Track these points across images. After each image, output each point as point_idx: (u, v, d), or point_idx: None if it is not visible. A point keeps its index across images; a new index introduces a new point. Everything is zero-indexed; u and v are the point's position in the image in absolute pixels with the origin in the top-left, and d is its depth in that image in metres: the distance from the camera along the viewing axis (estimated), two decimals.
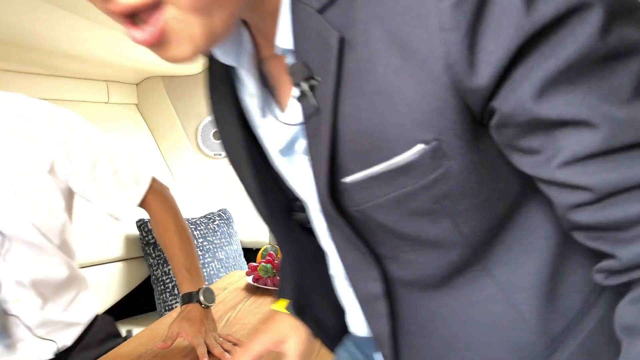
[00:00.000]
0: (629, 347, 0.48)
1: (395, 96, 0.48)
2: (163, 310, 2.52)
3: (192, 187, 3.08)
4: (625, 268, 0.48)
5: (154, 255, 2.55)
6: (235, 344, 1.41)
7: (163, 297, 2.52)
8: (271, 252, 2.09)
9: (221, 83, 0.72)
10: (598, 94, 0.43)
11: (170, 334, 1.38)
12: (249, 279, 2.03)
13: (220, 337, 1.43)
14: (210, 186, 3.13)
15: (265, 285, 1.98)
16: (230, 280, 2.13)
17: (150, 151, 3.24)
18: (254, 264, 2.06)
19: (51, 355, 1.35)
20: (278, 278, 1.95)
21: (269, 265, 1.99)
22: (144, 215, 2.69)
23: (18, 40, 2.05)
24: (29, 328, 1.31)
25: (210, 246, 2.65)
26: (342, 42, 0.49)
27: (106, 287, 2.53)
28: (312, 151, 0.56)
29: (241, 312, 1.74)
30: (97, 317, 1.59)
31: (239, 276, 2.20)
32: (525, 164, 0.50)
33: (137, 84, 3.26)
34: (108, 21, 2.04)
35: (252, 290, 1.99)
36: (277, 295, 1.06)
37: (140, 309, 2.74)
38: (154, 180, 1.62)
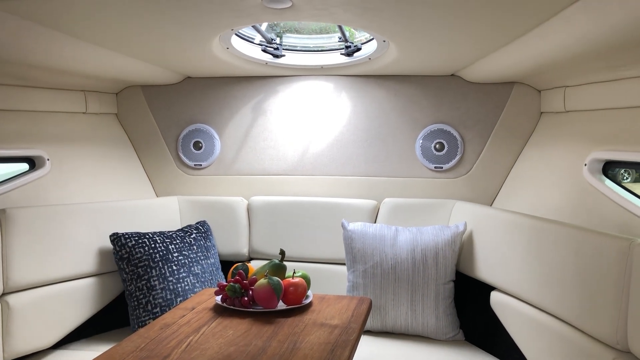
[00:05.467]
0: None
1: None
2: (136, 327, 2.47)
3: (171, 199, 3.03)
4: None
5: (127, 270, 2.50)
6: None
7: (136, 313, 2.47)
8: (241, 270, 2.04)
9: None
10: None
11: None
12: (218, 299, 1.98)
13: None
14: (190, 197, 3.08)
15: (233, 306, 1.93)
16: (200, 300, 2.08)
17: (130, 161, 3.19)
18: (224, 283, 2.01)
19: None
20: (246, 298, 1.91)
21: (237, 285, 1.94)
22: (119, 228, 2.64)
23: None
24: None
25: (186, 260, 2.60)
26: None
27: (80, 302, 2.48)
28: None
29: (204, 336, 1.69)
30: None
31: (210, 294, 2.15)
32: None
33: (116, 94, 3.21)
34: (81, 33, 2.00)
35: (221, 311, 1.94)
36: None
37: (115, 324, 2.68)
38: None
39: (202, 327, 1.77)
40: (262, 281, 1.91)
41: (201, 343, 1.63)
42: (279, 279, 1.94)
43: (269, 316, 1.88)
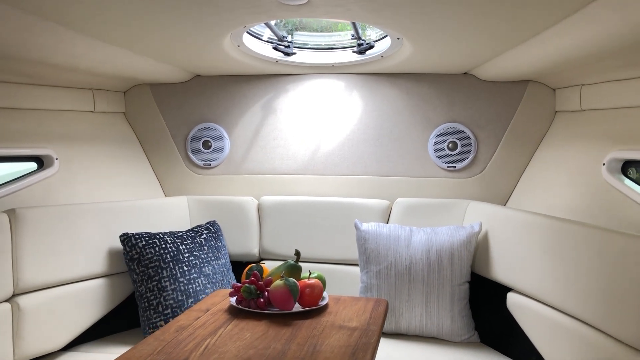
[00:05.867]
0: None
1: None
2: (147, 328, 2.43)
3: (180, 198, 3.00)
4: None
5: (138, 270, 2.46)
6: None
7: (147, 314, 2.44)
8: (256, 271, 2.01)
9: None
10: None
11: None
12: (233, 301, 1.95)
13: None
14: (200, 197, 3.05)
15: (249, 307, 1.89)
16: (213, 301, 2.05)
17: (139, 161, 3.16)
18: (238, 284, 1.97)
19: None
20: (262, 300, 1.87)
21: (252, 287, 1.90)
22: (128, 228, 2.60)
23: None
24: None
25: (197, 261, 2.56)
26: None
27: (90, 304, 2.45)
28: None
29: (221, 339, 1.65)
30: None
31: (223, 296, 2.11)
32: None
33: (124, 92, 3.18)
34: (90, 29, 1.96)
35: (236, 312, 1.90)
36: None
37: (125, 326, 2.65)
38: None
39: (219, 329, 1.74)
40: (278, 282, 1.88)
41: (219, 346, 1.60)
42: (295, 280, 1.90)
43: (286, 318, 1.84)
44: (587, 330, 1.85)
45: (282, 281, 1.87)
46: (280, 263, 2.11)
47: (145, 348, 1.58)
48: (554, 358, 2.03)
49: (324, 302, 1.95)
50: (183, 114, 3.18)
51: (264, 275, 2.10)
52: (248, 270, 2.14)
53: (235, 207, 2.97)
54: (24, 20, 1.76)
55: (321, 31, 2.94)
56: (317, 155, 3.07)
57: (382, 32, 2.62)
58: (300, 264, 2.08)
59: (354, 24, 2.51)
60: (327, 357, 1.51)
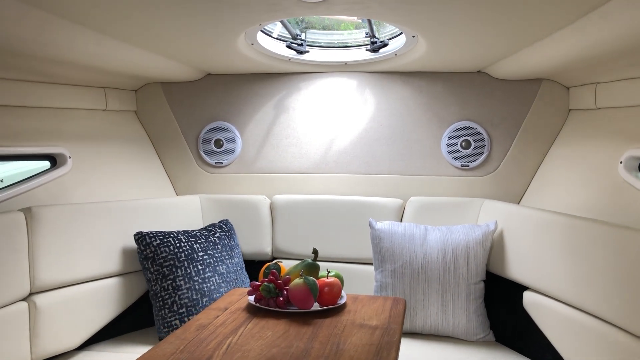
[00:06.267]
0: None
1: None
2: (162, 328, 2.42)
3: (192, 197, 2.99)
4: None
5: (152, 269, 2.46)
6: None
7: (162, 314, 2.43)
8: (274, 270, 2.00)
9: None
10: None
11: None
12: (251, 299, 1.94)
13: None
14: (212, 196, 3.04)
15: (268, 306, 1.88)
16: (231, 299, 2.04)
17: (150, 160, 3.15)
18: (256, 282, 1.96)
19: None
20: (281, 299, 1.87)
21: (271, 285, 1.89)
22: (141, 227, 2.60)
23: (9, 47, 1.96)
24: None
25: (211, 260, 2.55)
26: None
27: (105, 303, 2.44)
28: None
29: (243, 337, 1.65)
30: None
31: (241, 294, 2.11)
32: None
33: (135, 91, 3.17)
34: (104, 27, 1.96)
35: (254, 311, 1.90)
36: None
37: (139, 325, 2.64)
38: None
39: (239, 328, 1.73)
40: (297, 281, 1.87)
41: (241, 344, 1.59)
42: (314, 279, 1.90)
43: (305, 317, 1.83)
44: (607, 328, 1.84)
45: (302, 280, 1.86)
46: (293, 262, 2.10)
47: (168, 347, 1.57)
48: (572, 356, 2.02)
49: (342, 301, 1.95)
50: (195, 112, 3.17)
51: (281, 274, 2.09)
52: (265, 268, 2.13)
53: (247, 206, 2.96)
54: (41, 18, 1.75)
55: (333, 29, 2.93)
56: (330, 154, 3.06)
57: (395, 29, 2.61)
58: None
59: (369, 21, 2.50)
60: (352, 355, 1.50)
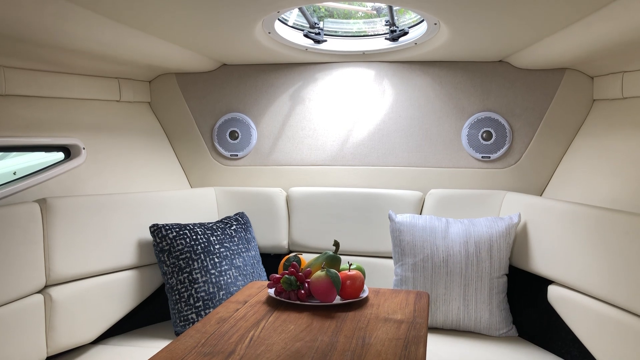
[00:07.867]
0: None
1: None
2: (178, 321, 2.38)
3: (208, 189, 2.94)
4: None
5: (168, 262, 2.42)
6: None
7: (178, 307, 2.39)
8: (294, 262, 1.95)
9: None
10: None
11: None
12: (271, 292, 1.89)
13: None
14: (228, 188, 2.99)
15: (289, 299, 1.84)
16: (250, 293, 2.00)
17: (164, 151, 3.11)
18: (277, 275, 1.92)
19: None
20: (303, 291, 1.82)
21: (292, 278, 1.84)
22: (156, 219, 2.56)
23: (26, 36, 1.92)
24: None
25: (227, 253, 2.51)
26: None
27: (120, 296, 2.40)
28: None
29: (265, 331, 1.60)
30: None
31: (260, 287, 2.06)
32: None
33: (149, 81, 3.13)
34: (120, 15, 1.91)
35: (275, 304, 1.85)
36: None
37: (154, 319, 2.61)
38: None
39: (261, 321, 1.68)
40: (319, 273, 1.82)
41: (264, 338, 1.54)
42: (337, 272, 1.84)
43: (328, 310, 1.78)
44: (637, 322, 1.78)
45: (324, 272, 1.81)
46: (311, 255, 2.05)
47: (189, 340, 1.53)
48: (600, 350, 1.96)
49: (364, 294, 1.89)
50: (209, 103, 3.13)
51: (301, 267, 2.05)
52: (285, 261, 2.08)
53: (263, 199, 2.92)
54: (58, 5, 1.71)
55: (352, 19, 2.87)
56: (347, 146, 3.01)
57: (416, 17, 2.55)
58: None
59: (390, 8, 2.44)
60: (379, 349, 1.45)
